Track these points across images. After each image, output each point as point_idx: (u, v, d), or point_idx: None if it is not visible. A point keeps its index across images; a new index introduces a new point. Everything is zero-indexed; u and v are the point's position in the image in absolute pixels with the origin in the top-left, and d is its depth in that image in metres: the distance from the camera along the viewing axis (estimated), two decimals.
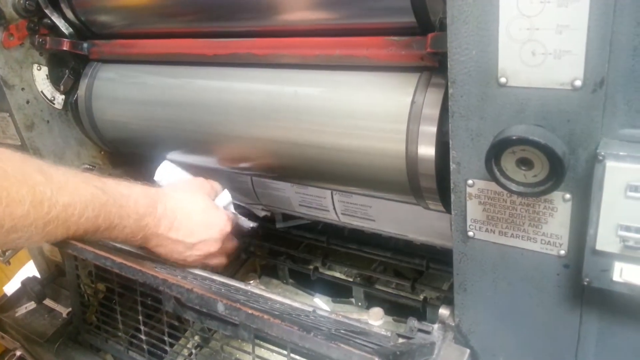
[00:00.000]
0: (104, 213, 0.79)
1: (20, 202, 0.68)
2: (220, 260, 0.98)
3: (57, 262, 1.29)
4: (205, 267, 0.97)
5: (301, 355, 0.90)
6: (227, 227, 0.95)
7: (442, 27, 0.71)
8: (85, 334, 1.13)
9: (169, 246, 0.90)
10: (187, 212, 0.90)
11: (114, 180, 0.87)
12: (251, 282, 1.24)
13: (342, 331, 0.71)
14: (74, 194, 0.75)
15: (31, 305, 1.26)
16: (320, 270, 1.34)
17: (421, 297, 1.20)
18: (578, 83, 0.53)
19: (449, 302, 0.78)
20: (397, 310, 1.20)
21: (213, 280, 0.94)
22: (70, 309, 1.20)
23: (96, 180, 0.81)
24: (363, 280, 1.30)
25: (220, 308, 0.71)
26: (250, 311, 0.66)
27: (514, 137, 0.54)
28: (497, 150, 0.55)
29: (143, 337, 1.02)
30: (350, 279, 1.31)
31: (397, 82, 0.80)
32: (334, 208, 1.13)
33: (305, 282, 1.37)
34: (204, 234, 0.92)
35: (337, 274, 1.36)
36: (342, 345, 0.58)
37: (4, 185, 0.66)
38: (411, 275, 1.27)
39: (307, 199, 1.16)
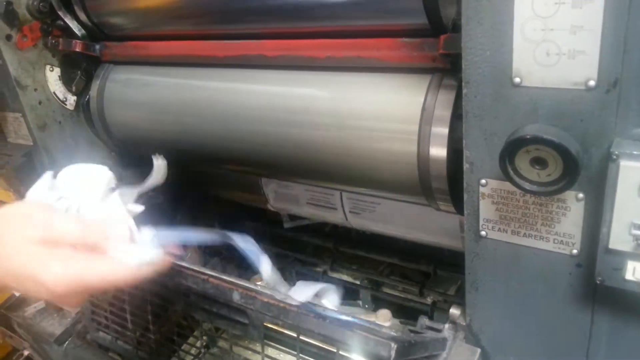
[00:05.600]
0: None
1: None
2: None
3: None
4: None
5: (310, 355, 0.91)
6: (56, 287, 0.63)
7: (455, 28, 0.73)
8: (94, 334, 1.13)
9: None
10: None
11: None
12: (259, 283, 1.25)
13: (360, 325, 0.71)
14: None
15: (40, 304, 1.26)
16: (328, 273, 1.35)
17: (429, 300, 1.20)
18: (592, 83, 0.54)
19: (459, 302, 0.78)
20: (404, 313, 1.20)
21: (223, 280, 0.95)
22: (79, 309, 1.20)
23: None
24: (370, 283, 1.31)
25: (236, 297, 0.72)
26: (266, 299, 0.67)
27: (529, 136, 0.55)
28: (511, 149, 0.56)
29: (152, 336, 1.02)
30: (358, 282, 1.32)
31: (408, 84, 0.81)
32: (342, 205, 1.13)
33: None
34: (26, 287, 0.66)
35: (345, 277, 1.36)
36: (359, 331, 0.59)
37: None
38: (418, 278, 1.27)
39: (316, 196, 1.16)
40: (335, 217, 1.16)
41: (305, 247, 1.41)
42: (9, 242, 0.65)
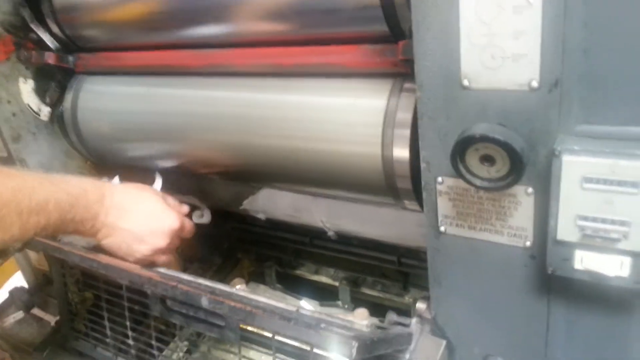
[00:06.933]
0: (54, 200, 0.80)
1: None
2: (168, 258, 0.99)
3: (44, 271, 1.30)
4: (152, 265, 0.96)
5: (286, 354, 0.93)
6: (176, 224, 0.96)
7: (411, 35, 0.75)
8: (74, 342, 1.14)
9: (118, 236, 0.91)
10: (136, 204, 0.93)
11: (60, 175, 0.90)
12: (238, 286, 1.26)
13: (322, 325, 0.73)
14: (20, 179, 0.78)
15: (19, 314, 1.27)
16: (307, 275, 1.37)
17: (407, 298, 1.23)
18: (535, 84, 0.57)
19: (426, 297, 0.81)
20: (383, 312, 1.22)
21: (199, 284, 0.96)
22: (58, 317, 1.21)
23: (41, 174, 0.85)
24: (349, 283, 1.33)
25: (205, 302, 0.73)
26: (233, 304, 0.69)
27: (476, 135, 0.58)
28: (461, 148, 0.59)
29: (131, 342, 1.04)
30: (337, 283, 1.34)
31: (372, 88, 0.84)
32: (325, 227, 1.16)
33: (293, 286, 1.40)
34: (152, 225, 0.94)
35: (324, 278, 1.38)
36: (321, 331, 0.61)
37: None
38: (398, 277, 1.30)
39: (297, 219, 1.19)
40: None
41: (284, 249, 1.42)
42: (145, 195, 0.97)
